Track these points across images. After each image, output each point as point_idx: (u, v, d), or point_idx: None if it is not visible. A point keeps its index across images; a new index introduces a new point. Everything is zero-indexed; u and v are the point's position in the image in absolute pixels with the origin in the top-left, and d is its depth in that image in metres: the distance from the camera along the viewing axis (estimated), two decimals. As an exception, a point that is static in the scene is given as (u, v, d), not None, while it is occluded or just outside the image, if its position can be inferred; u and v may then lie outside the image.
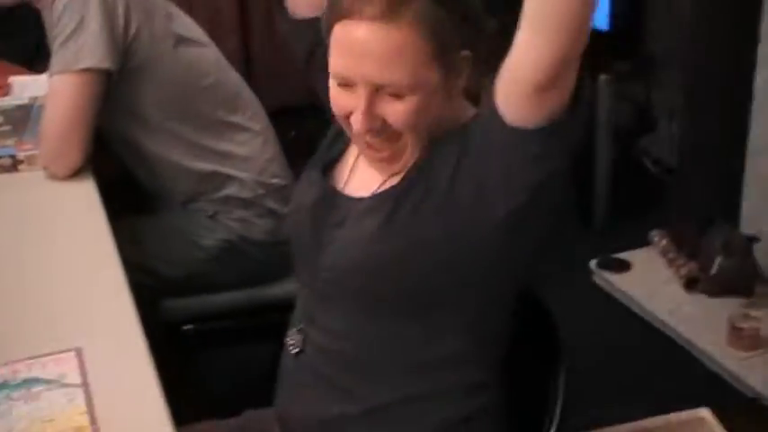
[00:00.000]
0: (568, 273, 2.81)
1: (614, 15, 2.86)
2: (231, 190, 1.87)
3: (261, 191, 1.88)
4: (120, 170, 1.91)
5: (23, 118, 1.90)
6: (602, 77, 2.90)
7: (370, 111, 1.12)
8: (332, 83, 1.15)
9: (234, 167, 1.87)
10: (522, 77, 1.03)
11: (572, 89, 1.05)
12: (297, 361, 1.29)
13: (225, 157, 1.87)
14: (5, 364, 1.22)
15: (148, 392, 1.18)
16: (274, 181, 1.90)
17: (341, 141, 1.30)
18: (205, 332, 1.89)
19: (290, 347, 1.31)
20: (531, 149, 1.07)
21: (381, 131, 1.14)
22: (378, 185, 1.21)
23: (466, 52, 1.14)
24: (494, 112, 1.07)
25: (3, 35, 2.75)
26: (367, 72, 1.10)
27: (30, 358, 1.23)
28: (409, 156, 1.18)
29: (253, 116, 1.92)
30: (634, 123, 3.24)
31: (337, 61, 1.12)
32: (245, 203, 1.88)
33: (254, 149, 1.89)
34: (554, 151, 1.07)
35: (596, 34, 2.97)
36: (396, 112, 1.12)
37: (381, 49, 1.08)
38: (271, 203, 1.89)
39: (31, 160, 1.77)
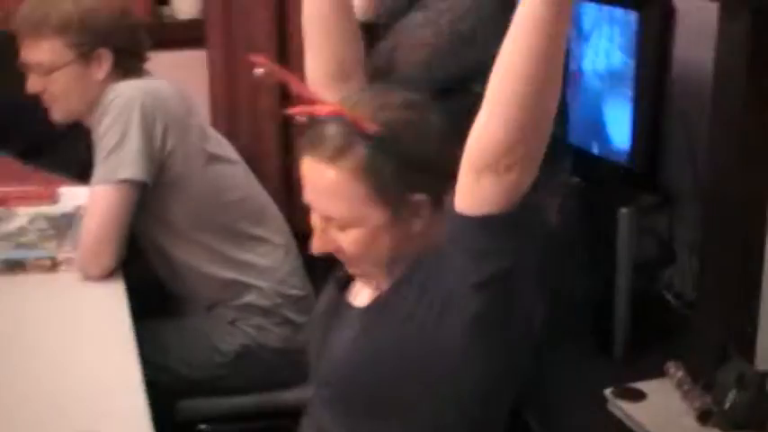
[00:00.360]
0: (583, 399, 2.86)
1: (635, 150, 2.98)
2: (251, 298, 2.00)
3: (279, 300, 2.00)
4: (150, 274, 2.05)
5: (67, 224, 2.05)
6: (623, 211, 3.00)
7: (322, 235, 1.27)
8: None
9: (254, 277, 2.00)
10: (473, 155, 1.11)
11: (522, 187, 1.12)
12: None
13: (247, 266, 2.00)
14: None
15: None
16: (293, 292, 2.02)
17: None
18: (218, 432, 1.99)
19: None
20: (475, 244, 1.15)
21: (343, 258, 1.28)
22: (375, 296, 1.34)
23: (420, 196, 1.24)
24: (451, 209, 1.17)
25: (58, 149, 2.97)
26: (314, 203, 1.26)
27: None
28: (384, 276, 1.29)
29: (276, 230, 2.07)
30: (655, 256, 3.32)
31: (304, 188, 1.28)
32: (264, 311, 2.00)
33: (275, 261, 2.03)
34: (493, 248, 1.15)
35: (617, 168, 3.10)
36: (343, 241, 1.26)
37: (322, 186, 1.23)
38: (288, 313, 2.00)
39: (68, 262, 1.91)
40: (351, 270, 1.33)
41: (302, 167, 1.26)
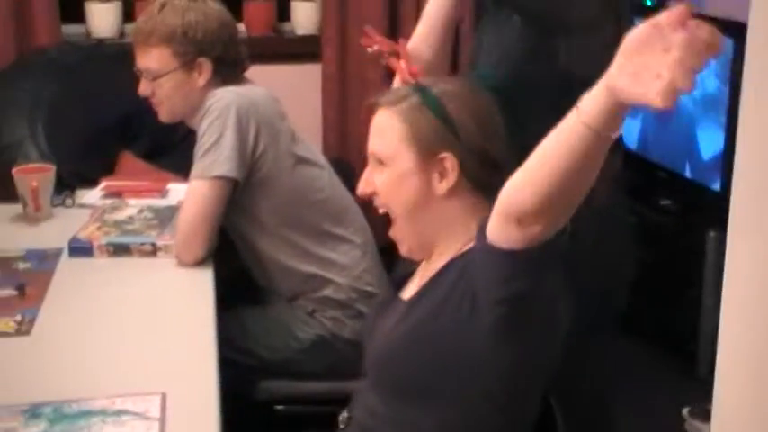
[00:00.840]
0: (662, 418, 2.90)
1: (725, 175, 3.01)
2: (328, 291, 2.16)
3: (354, 295, 2.16)
4: (238, 266, 2.24)
5: (169, 216, 2.27)
6: (712, 234, 3.03)
7: (366, 176, 1.48)
8: None
9: (333, 272, 2.16)
10: (504, 203, 1.21)
11: (545, 237, 1.20)
12: None
13: (327, 262, 2.16)
14: (106, 397, 1.53)
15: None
16: (367, 288, 2.17)
17: (414, 262, 1.57)
18: (293, 413, 2.15)
19: (340, 424, 1.58)
20: (498, 269, 1.27)
21: (375, 198, 1.48)
22: (417, 290, 1.49)
23: (447, 154, 1.42)
24: (484, 235, 1.28)
25: (176, 151, 3.21)
26: (369, 142, 1.49)
27: (125, 395, 1.53)
28: (405, 240, 1.46)
29: (356, 231, 2.22)
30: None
31: None
32: (340, 305, 2.15)
33: (352, 259, 2.18)
34: (513, 275, 1.26)
35: (707, 192, 3.12)
36: (379, 179, 1.46)
37: (375, 125, 1.47)
38: (362, 307, 2.15)
39: (167, 249, 2.12)
40: (391, 233, 1.49)
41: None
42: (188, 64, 2.14)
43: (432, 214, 1.45)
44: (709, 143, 3.08)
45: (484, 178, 1.42)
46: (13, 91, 3.10)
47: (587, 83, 1.08)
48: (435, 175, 1.44)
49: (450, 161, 1.42)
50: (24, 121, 3.02)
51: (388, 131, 1.45)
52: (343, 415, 1.60)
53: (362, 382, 1.56)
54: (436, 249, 1.48)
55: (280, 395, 2.15)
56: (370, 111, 1.49)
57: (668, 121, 3.30)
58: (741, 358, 1.14)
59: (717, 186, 3.04)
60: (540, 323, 1.35)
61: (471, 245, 1.38)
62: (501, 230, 1.23)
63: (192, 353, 1.71)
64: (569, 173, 1.09)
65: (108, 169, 3.07)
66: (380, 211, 1.50)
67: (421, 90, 1.45)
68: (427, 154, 1.43)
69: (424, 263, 1.54)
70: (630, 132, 3.50)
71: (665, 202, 3.29)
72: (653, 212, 3.31)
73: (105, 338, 1.77)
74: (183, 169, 2.89)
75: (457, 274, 1.40)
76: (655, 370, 3.15)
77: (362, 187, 1.49)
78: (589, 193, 1.15)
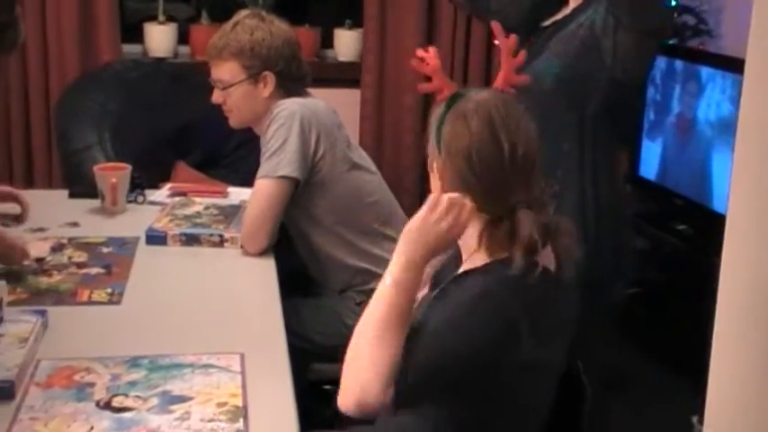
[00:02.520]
0: (671, 424, 3.10)
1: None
2: (376, 284, 2.38)
3: (399, 289, 2.39)
4: (296, 260, 2.48)
5: (233, 213, 2.51)
6: (724, 256, 3.24)
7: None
8: None
9: (381, 268, 2.38)
10: None
11: None
12: None
13: (376, 258, 2.40)
14: (194, 354, 1.77)
15: (282, 389, 1.69)
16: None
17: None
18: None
19: None
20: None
21: None
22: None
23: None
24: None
25: (229, 162, 3.47)
26: None
27: (211, 353, 1.77)
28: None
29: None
30: None
31: None
32: (386, 297, 2.38)
33: (398, 256, 2.42)
34: None
35: (720, 218, 3.30)
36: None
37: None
38: (405, 300, 2.38)
39: (233, 240, 2.36)
40: None
41: None
42: (254, 76, 2.40)
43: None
44: (723, 168, 3.30)
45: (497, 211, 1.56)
46: (84, 101, 3.37)
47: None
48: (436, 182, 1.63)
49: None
50: (93, 128, 3.29)
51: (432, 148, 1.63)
52: None
53: None
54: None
55: (330, 377, 2.37)
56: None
57: (686, 147, 3.54)
58: (735, 365, 1.16)
59: (730, 212, 3.25)
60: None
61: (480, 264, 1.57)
62: None
63: (264, 323, 1.96)
64: None
65: (164, 177, 3.33)
66: None
67: (446, 102, 1.59)
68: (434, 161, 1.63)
69: None
70: (650, 161, 3.74)
71: (680, 228, 3.51)
72: (668, 237, 3.52)
73: (187, 308, 2.02)
74: (232, 180, 3.16)
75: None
76: (667, 383, 3.35)
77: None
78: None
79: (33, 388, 1.62)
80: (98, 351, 1.77)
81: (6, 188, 2.48)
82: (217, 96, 2.46)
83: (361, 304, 2.37)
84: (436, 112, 1.60)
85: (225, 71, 2.42)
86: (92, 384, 1.64)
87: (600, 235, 2.23)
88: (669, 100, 3.66)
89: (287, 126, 2.31)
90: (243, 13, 2.49)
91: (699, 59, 3.55)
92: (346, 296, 2.42)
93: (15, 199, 2.49)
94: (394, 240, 2.42)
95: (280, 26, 2.47)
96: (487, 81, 4.11)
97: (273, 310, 2.01)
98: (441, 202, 1.50)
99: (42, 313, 1.85)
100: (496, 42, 1.82)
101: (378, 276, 2.38)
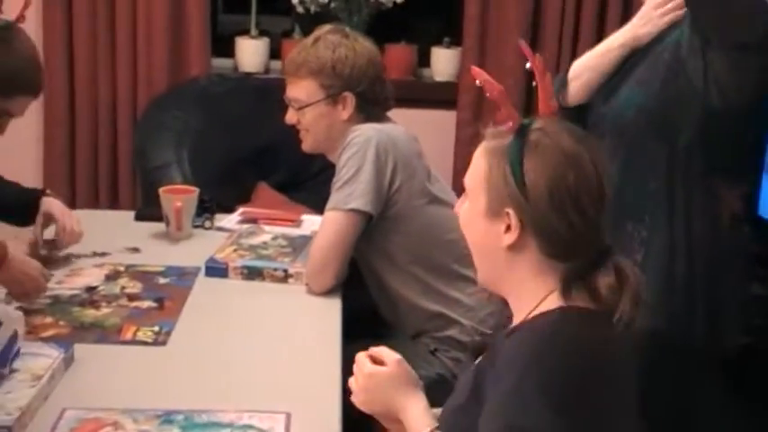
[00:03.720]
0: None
1: None
2: (453, 332, 2.17)
3: (477, 337, 2.16)
4: (366, 300, 2.28)
5: (302, 245, 2.33)
6: None
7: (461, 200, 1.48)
8: None
9: (459, 313, 2.18)
10: None
11: None
12: None
13: (453, 302, 2.18)
14: (234, 411, 1.58)
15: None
16: (490, 332, 2.18)
17: None
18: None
19: None
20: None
21: None
22: None
23: (512, 212, 1.33)
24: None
25: (312, 186, 3.31)
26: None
27: (253, 411, 1.58)
28: (484, 279, 1.46)
29: (484, 274, 2.23)
30: None
31: None
32: (463, 346, 2.16)
33: (479, 302, 2.19)
34: None
35: None
36: (461, 209, 1.47)
37: (473, 161, 1.41)
38: (484, 350, 2.16)
39: (297, 276, 2.18)
40: None
41: None
42: (333, 97, 2.21)
43: (498, 263, 1.38)
44: None
45: (551, 248, 1.33)
46: (164, 117, 3.27)
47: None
48: (502, 226, 1.35)
49: (513, 218, 1.33)
50: (172, 146, 3.17)
51: (474, 166, 1.39)
52: None
53: None
54: (509, 301, 1.43)
55: (398, 429, 2.16)
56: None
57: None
58: None
59: None
60: None
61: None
62: None
63: (318, 376, 1.76)
64: None
65: (244, 198, 3.19)
66: None
67: (516, 134, 1.32)
68: (496, 204, 1.35)
69: None
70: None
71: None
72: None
73: (236, 355, 1.83)
74: (315, 203, 2.98)
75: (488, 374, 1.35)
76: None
77: (456, 208, 1.48)
78: None
79: (51, 443, 1.46)
80: (132, 400, 1.60)
81: (52, 209, 2.24)
82: (291, 116, 2.28)
83: (436, 352, 2.17)
84: (501, 146, 1.35)
85: (301, 89, 2.24)
86: (116, 443, 1.47)
87: (692, 284, 1.94)
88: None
89: (361, 154, 2.12)
90: (325, 27, 2.30)
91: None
92: (419, 342, 2.21)
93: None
94: (474, 283, 2.22)
95: (364, 44, 2.27)
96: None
97: (332, 363, 1.80)
98: None
99: (66, 347, 1.70)
100: (528, 65, 1.51)
101: (455, 322, 2.18)
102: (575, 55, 3.86)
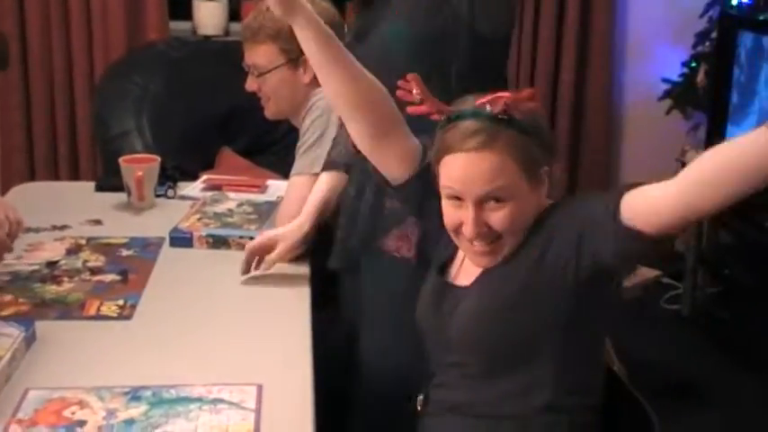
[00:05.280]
0: None
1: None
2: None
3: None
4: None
5: (268, 211, 2.29)
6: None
7: (477, 219, 1.44)
8: (445, 202, 1.48)
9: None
10: (684, 209, 1.28)
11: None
12: (421, 418, 1.59)
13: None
14: (204, 385, 1.54)
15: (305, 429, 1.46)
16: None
17: (451, 246, 1.58)
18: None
19: (418, 407, 1.62)
20: (628, 250, 1.34)
21: (486, 236, 1.45)
22: (477, 273, 1.52)
23: (545, 168, 1.46)
24: (608, 212, 1.34)
25: (276, 150, 3.25)
26: (475, 189, 1.43)
27: (222, 384, 1.54)
28: (505, 251, 1.47)
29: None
30: None
31: (449, 183, 1.45)
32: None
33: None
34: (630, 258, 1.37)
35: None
36: (498, 217, 1.44)
37: (482, 170, 1.42)
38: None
39: (265, 243, 2.13)
40: (478, 255, 1.49)
41: (451, 163, 1.45)
42: (294, 61, 2.15)
43: (532, 214, 1.48)
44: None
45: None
46: (123, 84, 3.18)
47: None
48: (539, 188, 1.48)
49: (547, 172, 1.48)
50: (131, 113, 3.10)
51: (499, 171, 1.42)
52: (420, 398, 1.62)
53: (437, 364, 1.58)
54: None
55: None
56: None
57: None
58: None
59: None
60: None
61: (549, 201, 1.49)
62: (656, 215, 1.30)
63: (288, 346, 1.72)
64: (757, 183, 1.20)
65: (208, 164, 3.13)
66: (481, 239, 1.46)
67: (511, 122, 1.42)
68: (534, 174, 1.46)
69: None
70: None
71: (769, 223, 3.19)
72: (757, 232, 3.21)
73: (204, 327, 1.79)
74: (281, 168, 2.92)
75: (547, 231, 1.44)
76: (760, 398, 3.05)
77: (476, 230, 1.44)
78: None
79: (14, 426, 1.42)
80: (98, 378, 1.56)
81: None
82: (251, 84, 2.23)
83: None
84: (497, 134, 1.43)
85: (260, 55, 2.18)
86: (82, 423, 1.43)
87: None
88: (755, 82, 3.31)
89: (324, 117, 2.07)
90: None
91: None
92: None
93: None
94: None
95: (322, 5, 2.21)
96: (558, 50, 3.83)
97: (302, 332, 1.77)
98: None
99: (27, 325, 1.65)
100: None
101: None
102: (537, 28, 3.82)
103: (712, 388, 3.11)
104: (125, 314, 1.81)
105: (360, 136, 1.58)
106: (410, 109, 1.52)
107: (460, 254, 1.58)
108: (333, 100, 1.59)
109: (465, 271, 1.57)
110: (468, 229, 1.45)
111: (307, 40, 1.52)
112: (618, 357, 1.96)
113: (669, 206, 1.28)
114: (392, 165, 1.59)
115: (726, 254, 3.59)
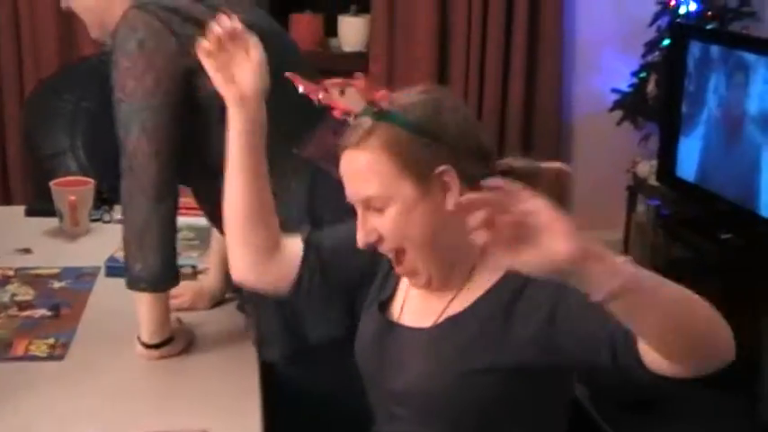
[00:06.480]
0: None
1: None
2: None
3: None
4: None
5: (210, 237, 2.15)
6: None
7: (364, 225, 1.31)
8: None
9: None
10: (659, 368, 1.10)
11: None
12: None
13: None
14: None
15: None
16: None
17: (391, 279, 1.44)
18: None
19: None
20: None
21: (387, 249, 1.32)
22: (436, 317, 1.35)
23: (443, 167, 1.27)
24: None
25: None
26: (352, 190, 1.31)
27: (165, 431, 1.42)
28: (423, 270, 1.32)
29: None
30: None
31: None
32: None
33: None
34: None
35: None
36: (382, 223, 1.30)
37: (356, 170, 1.30)
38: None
39: (207, 272, 2.00)
40: (402, 270, 1.34)
41: (340, 165, 1.33)
42: None
43: (450, 233, 1.29)
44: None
45: (481, 172, 1.26)
46: (55, 101, 3.03)
47: None
48: (439, 193, 1.29)
49: (448, 173, 1.28)
50: (64, 132, 2.94)
51: (374, 172, 1.28)
52: None
53: (377, 417, 1.44)
54: (458, 267, 1.35)
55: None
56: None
57: (728, 145, 3.16)
58: None
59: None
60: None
61: None
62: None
63: (235, 387, 1.60)
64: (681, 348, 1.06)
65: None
66: (390, 255, 1.34)
67: (385, 115, 1.28)
68: (424, 175, 1.28)
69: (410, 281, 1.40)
70: (689, 162, 3.36)
71: (725, 236, 3.13)
72: (713, 246, 3.16)
73: (144, 368, 1.66)
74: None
75: (515, 291, 1.28)
76: (713, 411, 2.99)
77: (365, 238, 1.32)
78: None
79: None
80: (26, 424, 1.45)
81: None
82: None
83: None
84: (380, 133, 1.28)
85: None
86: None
87: None
88: (705, 91, 3.27)
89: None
90: None
91: (742, 45, 3.16)
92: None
93: None
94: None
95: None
96: (507, 61, 3.76)
97: (249, 372, 1.65)
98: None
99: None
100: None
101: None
102: (486, 17, 3.75)
103: (674, 403, 3.05)
104: (57, 354, 1.68)
105: (251, 253, 1.45)
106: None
107: (402, 290, 1.44)
108: (230, 208, 1.45)
109: (410, 309, 1.41)
110: (358, 236, 1.32)
111: (236, 133, 1.41)
112: (578, 378, 1.87)
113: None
114: (283, 273, 1.47)
115: (680, 267, 3.54)
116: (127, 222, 1.64)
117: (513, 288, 1.28)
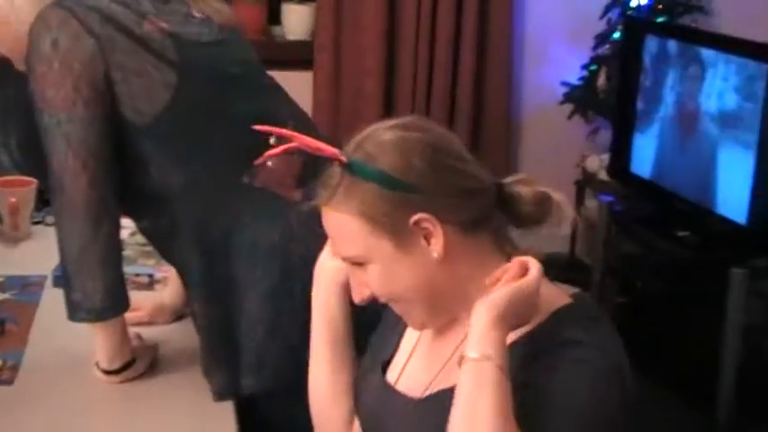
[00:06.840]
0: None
1: (753, 210, 2.83)
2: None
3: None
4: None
5: (166, 241, 2.01)
6: (736, 271, 2.85)
7: (353, 281, 1.23)
8: None
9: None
10: None
11: None
12: None
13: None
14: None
15: None
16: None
17: (394, 339, 1.34)
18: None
19: None
20: None
21: (374, 298, 1.22)
22: (427, 384, 1.25)
23: (418, 215, 1.15)
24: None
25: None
26: (334, 249, 1.24)
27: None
28: (431, 320, 1.23)
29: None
30: (765, 321, 3.15)
31: None
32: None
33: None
34: None
35: (733, 228, 2.93)
36: (369, 280, 1.20)
37: (330, 228, 1.20)
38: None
39: (166, 282, 1.87)
40: (399, 310, 1.25)
41: None
42: None
43: (442, 283, 1.20)
44: (734, 169, 2.90)
45: (472, 213, 1.18)
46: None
47: None
48: (422, 243, 1.17)
49: (426, 220, 1.16)
50: (-4, 125, 2.74)
51: (346, 233, 1.18)
52: None
53: None
54: (456, 311, 1.24)
55: None
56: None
57: (686, 144, 3.13)
58: None
59: (742, 219, 2.86)
60: None
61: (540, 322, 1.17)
62: None
63: (206, 410, 1.47)
64: None
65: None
66: (391, 304, 1.25)
67: (351, 168, 1.16)
68: (398, 230, 1.17)
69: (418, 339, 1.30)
70: (644, 158, 3.32)
71: (682, 234, 3.10)
72: (668, 244, 3.13)
73: (103, 391, 1.52)
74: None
75: (522, 360, 1.15)
76: (671, 412, 2.96)
77: (360, 294, 1.23)
78: None
79: None
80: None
81: None
82: None
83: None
84: (344, 189, 1.17)
85: None
86: None
87: None
88: (661, 87, 3.23)
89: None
90: None
91: (699, 40, 3.13)
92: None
93: None
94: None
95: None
96: (456, 52, 3.68)
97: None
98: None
99: None
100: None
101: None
102: (436, 3, 3.66)
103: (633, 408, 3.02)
104: (4, 378, 1.53)
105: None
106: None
107: (402, 351, 1.33)
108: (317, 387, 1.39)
109: (408, 374, 1.30)
110: (353, 294, 1.25)
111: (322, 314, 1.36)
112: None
113: None
114: None
115: (632, 264, 3.51)
116: (61, 248, 1.48)
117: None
